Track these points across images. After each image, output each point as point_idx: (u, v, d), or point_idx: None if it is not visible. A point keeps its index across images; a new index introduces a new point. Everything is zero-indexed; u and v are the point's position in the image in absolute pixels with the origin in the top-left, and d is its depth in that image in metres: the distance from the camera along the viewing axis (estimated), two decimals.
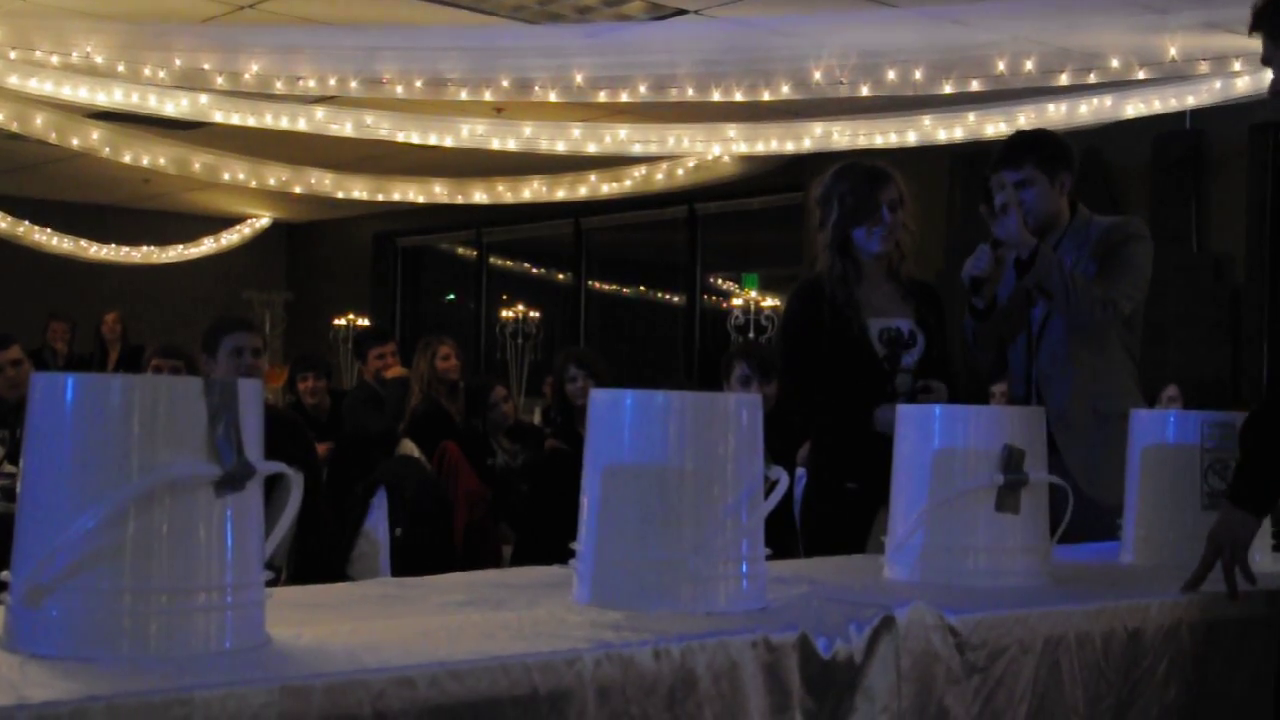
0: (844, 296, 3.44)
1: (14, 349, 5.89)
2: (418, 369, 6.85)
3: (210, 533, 1.53)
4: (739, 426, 1.97)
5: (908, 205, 3.49)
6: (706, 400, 1.98)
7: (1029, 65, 4.75)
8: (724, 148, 7.51)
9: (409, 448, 6.57)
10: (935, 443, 2.40)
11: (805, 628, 1.81)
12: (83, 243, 11.69)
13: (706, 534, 1.92)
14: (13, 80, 6.59)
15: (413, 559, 3.99)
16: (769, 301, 8.47)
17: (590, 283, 11.89)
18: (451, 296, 14.26)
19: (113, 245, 12.17)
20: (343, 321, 11.90)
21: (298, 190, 9.69)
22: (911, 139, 6.77)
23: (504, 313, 10.96)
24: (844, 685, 1.82)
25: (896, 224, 3.45)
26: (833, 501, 3.45)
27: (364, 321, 11.92)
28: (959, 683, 1.94)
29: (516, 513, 6.06)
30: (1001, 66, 4.71)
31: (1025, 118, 6.19)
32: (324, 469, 4.59)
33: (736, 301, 8.47)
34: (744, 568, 1.95)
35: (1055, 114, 6.14)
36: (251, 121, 7.24)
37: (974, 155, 7.90)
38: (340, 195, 9.78)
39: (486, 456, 6.38)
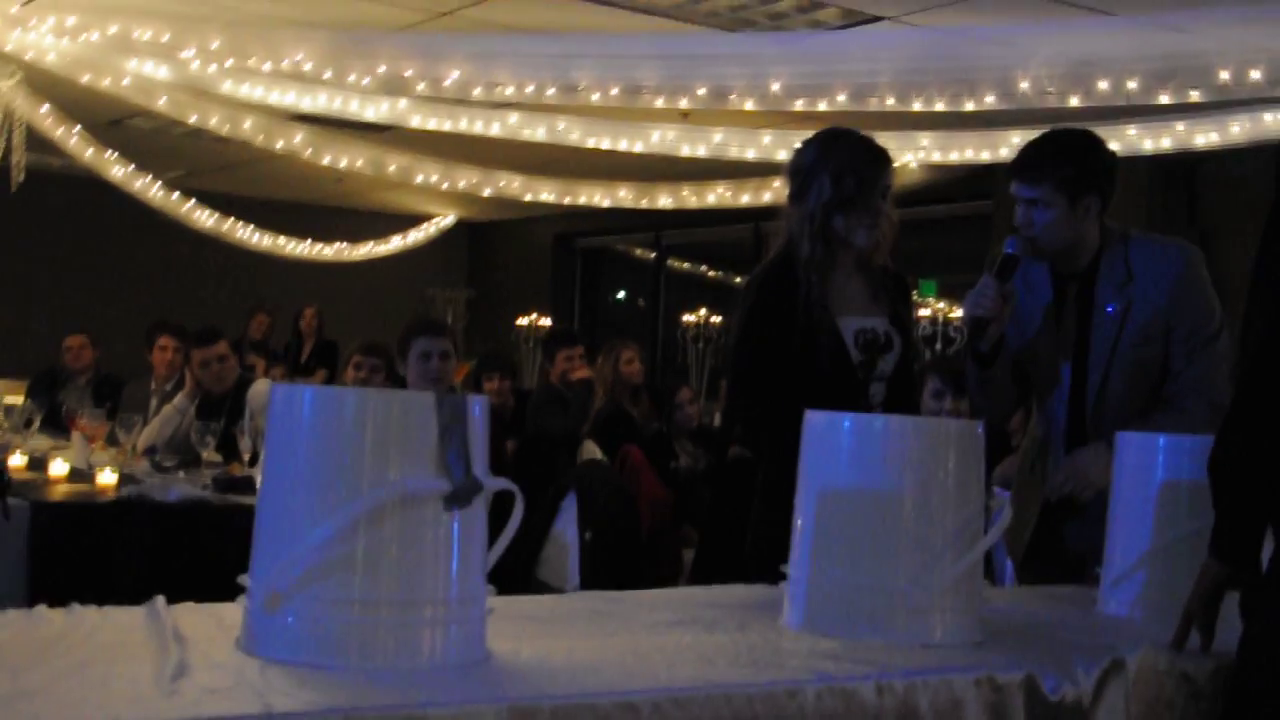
0: (820, 291, 2.93)
1: (221, 344, 6.11)
2: (602, 372, 6.90)
3: (438, 547, 1.55)
4: (960, 452, 1.91)
5: (892, 190, 3.02)
6: (927, 425, 1.92)
7: (1256, 75, 4.47)
8: (916, 156, 7.36)
9: (591, 449, 6.62)
10: (1159, 474, 2.29)
11: (1030, 667, 1.74)
12: (280, 239, 12.09)
13: (924, 563, 1.87)
14: (226, 86, 6.85)
15: (601, 563, 4.01)
16: (957, 312, 8.27)
17: None
18: (622, 295, 14.33)
19: (308, 242, 12.57)
20: (525, 321, 12.07)
21: (487, 193, 9.87)
22: (1115, 148, 6.47)
23: (685, 317, 10.97)
24: None
25: (886, 215, 2.97)
26: (786, 529, 2.56)
27: (546, 321, 12.06)
28: None
29: (700, 516, 6.05)
30: (1225, 76, 4.45)
31: (1239, 127, 5.90)
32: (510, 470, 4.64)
33: (923, 312, 8.30)
34: (962, 600, 1.90)
35: (1274, 123, 5.81)
36: (447, 126, 7.38)
37: (1175, 165, 7.60)
38: (528, 198, 9.92)
39: (669, 460, 6.39)
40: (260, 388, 6.13)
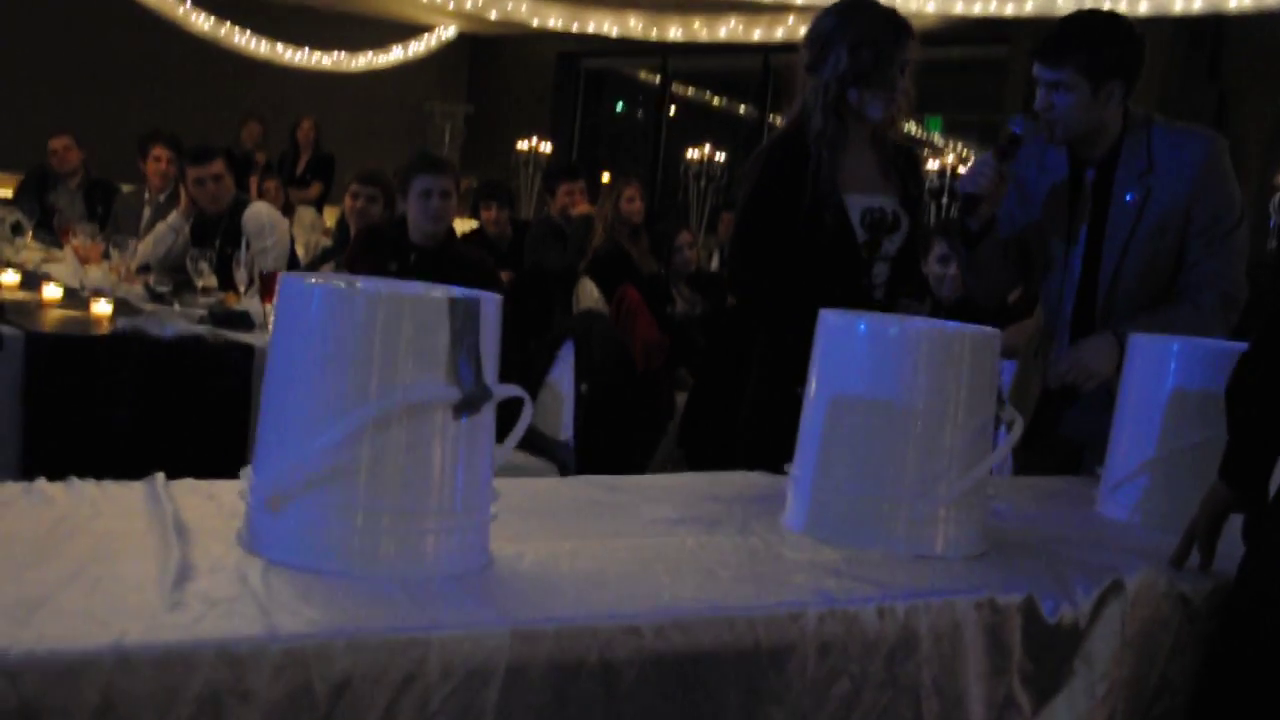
0: (830, 166, 2.87)
1: (217, 163, 6.00)
2: (602, 210, 6.81)
3: (445, 456, 1.52)
4: (974, 363, 1.88)
5: (912, 64, 2.93)
6: (941, 335, 1.89)
7: None
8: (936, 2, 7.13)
9: (589, 287, 6.59)
10: (1170, 381, 2.27)
11: (1031, 589, 1.74)
12: (279, 46, 11.80)
13: (931, 475, 1.86)
14: None
15: (595, 417, 4.00)
16: (964, 168, 8.13)
17: (776, 118, 11.60)
18: (623, 111, 14.05)
19: (306, 50, 12.27)
20: (525, 145, 11.86)
21: (493, 16, 9.59)
22: (1143, 9, 6.26)
23: (689, 153, 10.78)
24: (1065, 649, 1.76)
25: (904, 90, 2.91)
26: (781, 409, 2.55)
27: (546, 146, 11.85)
28: (1184, 653, 1.86)
29: (695, 360, 6.05)
30: None
31: None
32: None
33: (931, 166, 8.12)
34: (966, 513, 1.89)
35: None
36: None
37: (1200, 25, 7.38)
38: (535, 24, 9.64)
39: (666, 304, 6.35)
40: (256, 210, 6.04)
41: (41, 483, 1.70)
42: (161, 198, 7.34)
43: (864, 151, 2.95)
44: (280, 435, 1.53)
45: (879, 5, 2.92)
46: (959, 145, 10.80)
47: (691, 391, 6.04)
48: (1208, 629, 1.87)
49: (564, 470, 4.09)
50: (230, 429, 3.54)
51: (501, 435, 4.57)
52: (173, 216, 6.17)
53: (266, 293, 3.95)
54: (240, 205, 6.09)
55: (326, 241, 8.46)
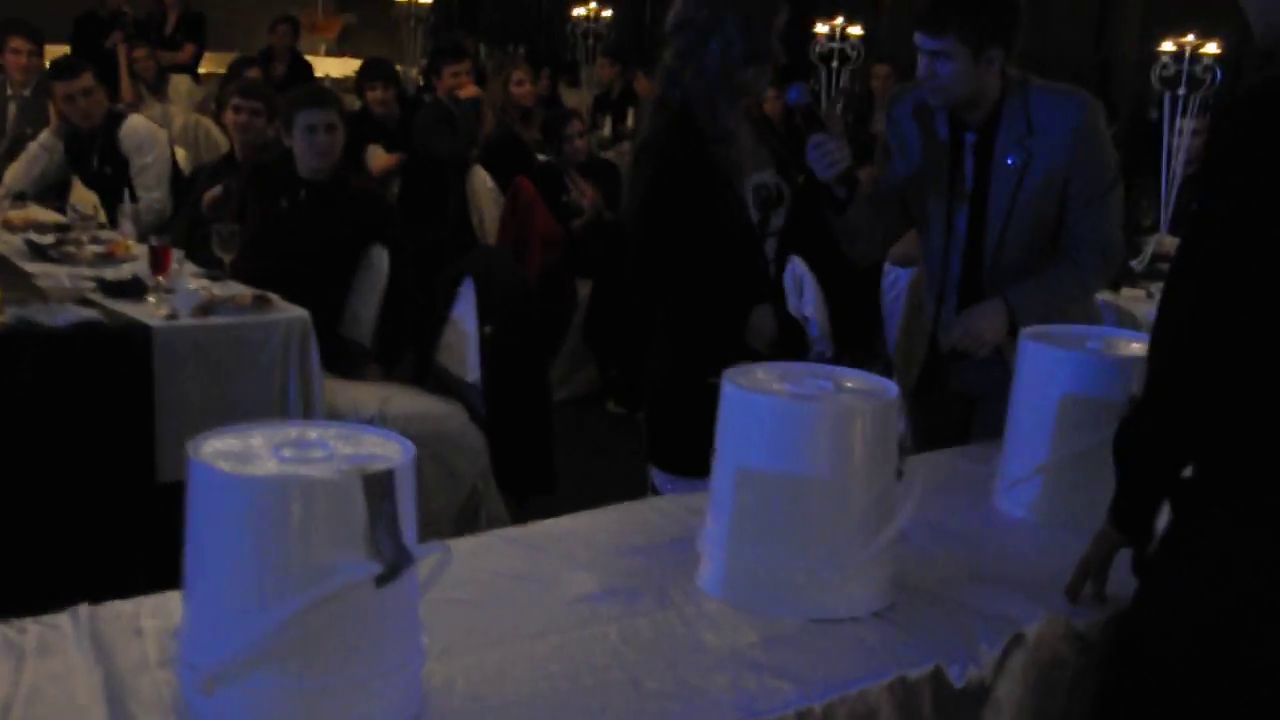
0: (725, 150, 2.87)
1: (85, 77, 5.78)
2: (491, 93, 6.69)
3: (371, 624, 1.56)
4: (874, 434, 1.95)
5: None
6: (841, 411, 1.94)
7: None
8: None
9: (481, 176, 6.52)
10: (1058, 388, 2.36)
11: (938, 658, 1.85)
12: None
13: (837, 542, 1.94)
14: None
15: (501, 360, 4.03)
16: (856, 29, 7.96)
17: None
18: None
19: None
20: None
21: None
22: None
23: (574, 10, 10.48)
24: (973, 707, 1.87)
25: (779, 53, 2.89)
26: (688, 396, 2.70)
27: None
28: (1083, 683, 1.99)
29: (591, 269, 6.04)
30: None
31: None
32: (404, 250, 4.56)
33: (820, 29, 7.97)
34: (873, 572, 1.97)
35: None
36: None
37: None
38: None
39: (560, 194, 6.32)
40: (133, 126, 5.84)
41: None
42: (26, 92, 7.05)
43: (742, 125, 2.94)
44: (207, 616, 1.55)
45: None
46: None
47: (593, 289, 6.06)
48: (1101, 656, 2.00)
49: (473, 414, 4.13)
50: (134, 418, 3.51)
51: (423, 376, 4.51)
52: (44, 135, 5.96)
53: (158, 266, 3.87)
54: (115, 119, 5.89)
55: (208, 123, 8.20)
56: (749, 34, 2.82)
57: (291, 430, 1.68)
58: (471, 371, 4.12)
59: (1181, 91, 5.40)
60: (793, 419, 1.93)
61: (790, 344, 2.84)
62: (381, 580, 1.55)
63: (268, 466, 1.56)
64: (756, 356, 2.74)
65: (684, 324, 2.96)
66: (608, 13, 10.39)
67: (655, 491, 3.00)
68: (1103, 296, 4.38)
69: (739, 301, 2.90)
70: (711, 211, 2.85)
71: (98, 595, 1.92)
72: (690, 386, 2.86)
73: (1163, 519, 1.94)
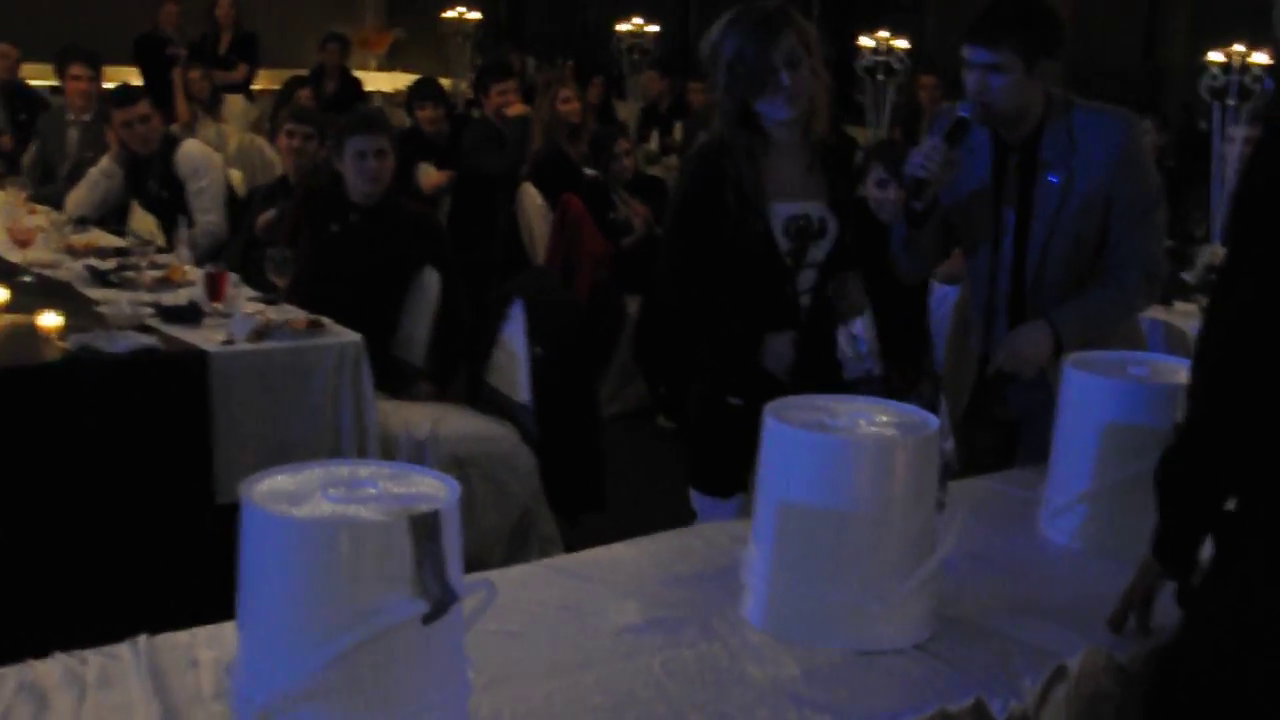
0: (750, 177, 2.89)
1: (141, 104, 5.89)
2: (539, 111, 6.74)
3: (417, 663, 1.60)
4: (914, 468, 1.97)
5: (814, 49, 2.88)
6: (883, 447, 1.96)
7: None
8: None
9: (531, 193, 6.58)
10: (1102, 415, 2.36)
11: (980, 691, 1.86)
12: None
13: (878, 575, 1.96)
14: None
15: (552, 382, 4.08)
16: (902, 43, 7.96)
17: None
18: None
19: None
20: (453, 14, 11.53)
21: None
22: None
23: (619, 26, 10.52)
24: None
25: (801, 81, 2.86)
26: (715, 417, 3.00)
27: (473, 14, 11.53)
28: (1125, 717, 1.99)
29: (641, 284, 6.07)
30: None
31: None
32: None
33: (865, 42, 7.95)
34: (915, 602, 1.99)
35: None
36: None
37: None
38: None
39: (607, 211, 6.36)
40: (188, 151, 5.95)
41: (32, 667, 1.78)
42: (86, 117, 7.21)
43: (789, 153, 2.97)
44: (260, 652, 1.60)
45: (755, 8, 2.89)
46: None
47: (641, 305, 6.08)
48: (1144, 688, 2.01)
49: (525, 435, 4.17)
50: (192, 442, 3.59)
51: (474, 397, 4.57)
52: (104, 161, 6.07)
53: (214, 292, 3.95)
54: (170, 143, 6.00)
55: (262, 143, 8.33)
56: (733, 73, 2.86)
57: (343, 469, 1.73)
58: (522, 392, 4.16)
59: (1231, 102, 5.36)
60: (833, 453, 1.96)
61: (815, 373, 2.87)
62: (428, 618, 1.59)
63: (319, 508, 1.61)
64: (777, 382, 2.82)
65: (705, 345, 3.02)
66: (653, 27, 10.43)
67: (693, 511, 3.06)
68: (1151, 315, 4.36)
69: (754, 326, 2.94)
70: (725, 236, 2.89)
71: (158, 614, 2.01)
72: (716, 408, 3.00)
73: (1206, 549, 1.95)
